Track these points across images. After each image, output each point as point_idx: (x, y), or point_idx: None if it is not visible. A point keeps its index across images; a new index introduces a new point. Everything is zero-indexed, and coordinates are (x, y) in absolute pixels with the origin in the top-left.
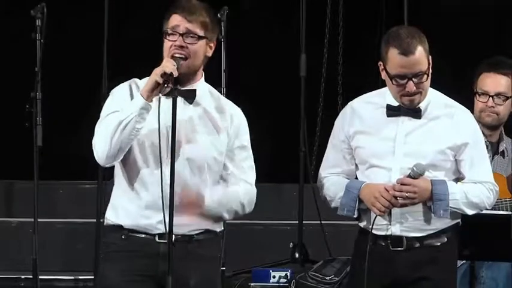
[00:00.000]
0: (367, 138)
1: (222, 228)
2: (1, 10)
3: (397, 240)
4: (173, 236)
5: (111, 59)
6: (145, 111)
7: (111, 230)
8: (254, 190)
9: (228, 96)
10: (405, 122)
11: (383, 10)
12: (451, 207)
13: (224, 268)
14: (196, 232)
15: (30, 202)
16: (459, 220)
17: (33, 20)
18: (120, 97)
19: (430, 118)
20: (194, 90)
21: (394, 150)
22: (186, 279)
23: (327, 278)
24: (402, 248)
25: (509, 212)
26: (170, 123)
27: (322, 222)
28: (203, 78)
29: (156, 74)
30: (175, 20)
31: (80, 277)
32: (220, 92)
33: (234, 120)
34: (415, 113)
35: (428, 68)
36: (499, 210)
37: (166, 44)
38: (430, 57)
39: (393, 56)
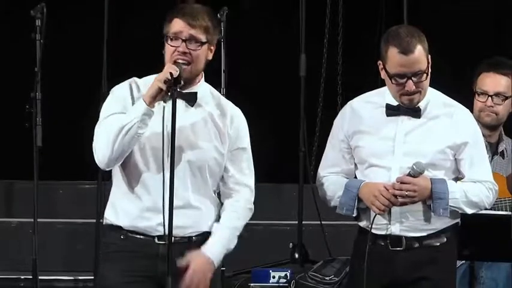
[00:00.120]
0: (367, 137)
1: None
2: (1, 10)
3: (396, 240)
4: (172, 238)
5: (111, 59)
6: (147, 117)
7: (110, 230)
8: (252, 198)
9: (228, 96)
10: (405, 122)
11: (382, 10)
12: (450, 206)
13: (224, 268)
14: (195, 234)
15: (30, 202)
16: (458, 220)
17: (33, 20)
18: (120, 97)
19: (430, 117)
20: (195, 93)
21: (393, 150)
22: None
23: (327, 278)
24: (401, 248)
25: (509, 212)
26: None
27: (322, 222)
28: (203, 79)
29: (159, 80)
30: (178, 26)
31: (80, 277)
32: (220, 92)
33: (235, 122)
34: (414, 112)
35: (428, 67)
36: (498, 210)
37: (169, 48)
38: (430, 56)
39: (393, 55)
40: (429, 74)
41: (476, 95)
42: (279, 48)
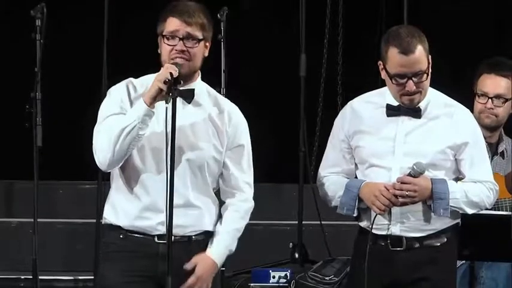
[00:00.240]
0: (367, 137)
1: None
2: (1, 10)
3: (396, 240)
4: (172, 237)
5: (111, 58)
6: (148, 118)
7: (110, 230)
8: (251, 195)
9: (227, 96)
10: (405, 122)
11: (383, 10)
12: (451, 206)
13: (224, 268)
14: (195, 233)
15: (30, 202)
16: (459, 220)
17: (33, 20)
18: (118, 97)
19: (430, 118)
20: (192, 90)
21: (394, 150)
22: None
23: (327, 278)
24: (402, 248)
25: (509, 212)
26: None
27: (322, 222)
28: (200, 77)
29: (159, 81)
30: (174, 24)
31: (80, 277)
32: (220, 92)
33: (232, 119)
34: (414, 112)
35: (428, 67)
36: (498, 210)
37: (165, 47)
38: (430, 56)
39: (393, 55)
40: (429, 74)
41: (477, 97)
42: (279, 48)
